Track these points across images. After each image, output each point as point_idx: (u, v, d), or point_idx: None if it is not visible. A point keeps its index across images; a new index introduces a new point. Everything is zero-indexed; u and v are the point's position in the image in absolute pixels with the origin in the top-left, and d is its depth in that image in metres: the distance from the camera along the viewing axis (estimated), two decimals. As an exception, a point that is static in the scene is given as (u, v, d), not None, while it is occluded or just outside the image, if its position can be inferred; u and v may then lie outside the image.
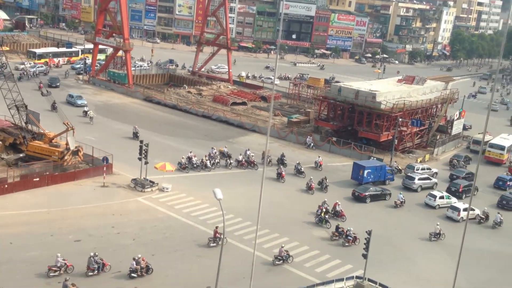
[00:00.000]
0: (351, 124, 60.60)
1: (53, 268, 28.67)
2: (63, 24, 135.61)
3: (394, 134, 56.95)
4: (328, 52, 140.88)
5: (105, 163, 43.40)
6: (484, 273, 35.42)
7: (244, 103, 75.05)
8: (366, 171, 48.06)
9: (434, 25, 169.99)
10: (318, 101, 66.18)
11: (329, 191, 46.17)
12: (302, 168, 49.79)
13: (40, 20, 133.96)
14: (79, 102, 64.46)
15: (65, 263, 28.99)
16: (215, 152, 50.28)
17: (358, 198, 45.09)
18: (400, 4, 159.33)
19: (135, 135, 54.36)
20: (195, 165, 47.70)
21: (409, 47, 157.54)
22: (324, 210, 39.90)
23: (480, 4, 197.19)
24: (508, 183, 52.92)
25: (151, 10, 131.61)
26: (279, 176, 47.72)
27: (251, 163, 50.06)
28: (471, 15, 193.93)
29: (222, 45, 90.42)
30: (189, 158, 47.99)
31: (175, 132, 59.26)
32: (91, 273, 29.18)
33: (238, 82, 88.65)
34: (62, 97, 65.80)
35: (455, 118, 66.38)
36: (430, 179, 50.70)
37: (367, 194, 45.27)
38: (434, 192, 46.73)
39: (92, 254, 29.39)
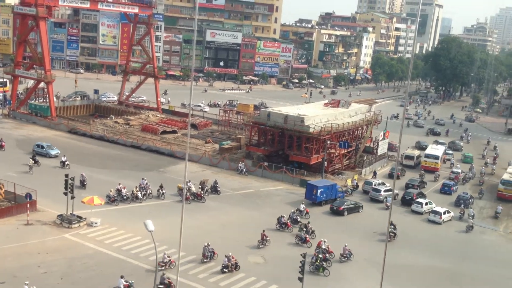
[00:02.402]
0: (282, 148, 61.26)
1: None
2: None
3: (324, 157, 58.06)
4: (256, 78, 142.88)
5: (28, 199, 41.14)
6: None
7: (174, 132, 74.17)
8: (319, 190, 50.30)
9: (355, 50, 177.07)
10: (249, 127, 66.52)
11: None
12: (299, 218, 45.18)
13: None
14: (52, 152, 57.70)
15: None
16: (146, 183, 49.00)
17: (336, 212, 48.40)
18: (323, 31, 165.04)
19: (63, 164, 53.58)
20: (125, 197, 46.25)
21: (333, 72, 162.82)
22: (320, 256, 36.58)
23: (397, 29, 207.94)
24: (452, 188, 59.64)
25: (74, 40, 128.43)
26: (180, 191, 47.77)
27: (198, 196, 48.64)
28: (389, 40, 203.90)
29: (149, 74, 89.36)
30: (119, 190, 46.49)
31: (103, 164, 57.42)
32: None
33: (167, 111, 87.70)
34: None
35: (380, 138, 68.76)
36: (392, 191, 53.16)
37: (344, 207, 48.66)
38: (420, 200, 52.32)
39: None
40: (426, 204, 51.90)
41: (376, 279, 23.80)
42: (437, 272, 39.04)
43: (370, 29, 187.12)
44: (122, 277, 30.99)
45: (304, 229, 41.89)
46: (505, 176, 61.39)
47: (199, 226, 42.37)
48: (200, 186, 50.25)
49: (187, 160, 26.16)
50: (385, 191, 54.28)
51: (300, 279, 29.76)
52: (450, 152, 78.07)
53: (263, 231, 40.35)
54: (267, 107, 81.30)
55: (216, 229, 42.69)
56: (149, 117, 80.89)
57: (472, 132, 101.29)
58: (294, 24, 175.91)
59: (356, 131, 68.29)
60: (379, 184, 56.54)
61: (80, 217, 40.32)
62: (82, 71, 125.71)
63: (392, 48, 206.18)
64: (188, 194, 48.06)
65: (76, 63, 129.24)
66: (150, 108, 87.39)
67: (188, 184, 49.77)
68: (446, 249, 43.73)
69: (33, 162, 52.77)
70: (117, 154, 62.62)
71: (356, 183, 58.05)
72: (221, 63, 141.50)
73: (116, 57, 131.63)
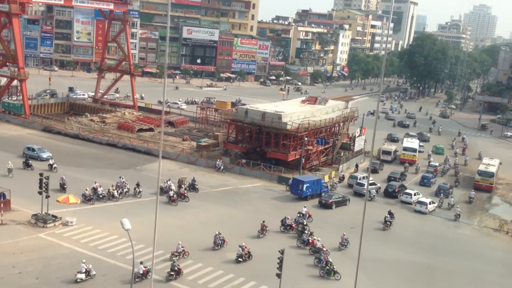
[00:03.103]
0: (260, 145, 61.27)
1: None
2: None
3: (301, 153, 58.25)
4: (233, 75, 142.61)
5: (1, 199, 40.33)
6: (391, 280, 36.72)
7: (151, 129, 73.58)
8: (305, 185, 51.19)
9: (332, 47, 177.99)
10: (226, 124, 66.35)
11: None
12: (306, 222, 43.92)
13: None
14: (44, 155, 55.92)
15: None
16: (123, 181, 48.49)
17: (325, 205, 49.82)
18: (300, 28, 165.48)
19: (51, 167, 52.48)
20: (101, 196, 45.71)
21: (310, 69, 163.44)
22: (330, 260, 36.15)
23: (373, 27, 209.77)
24: (431, 180, 62.17)
25: (47, 37, 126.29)
26: (170, 199, 46.75)
27: (182, 195, 48.11)
28: (365, 37, 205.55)
29: (125, 71, 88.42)
30: (94, 189, 45.93)
31: (78, 162, 56.65)
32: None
33: (143, 108, 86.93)
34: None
35: (357, 135, 69.27)
36: (376, 184, 57.00)
37: (332, 201, 50.15)
38: (409, 191, 55.06)
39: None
40: (415, 194, 54.66)
41: (356, 273, 23.98)
42: (413, 266, 39.49)
43: (347, 26, 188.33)
44: (141, 263, 32.66)
45: (306, 232, 41.14)
46: (481, 167, 63.74)
47: (177, 225, 42.14)
48: (178, 185, 49.96)
49: (160, 157, 25.90)
50: (369, 185, 55.41)
51: (278, 275, 29.81)
52: (421, 144, 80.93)
53: (263, 221, 41.88)
54: (244, 104, 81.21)
55: (195, 226, 42.51)
56: (125, 115, 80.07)
57: (446, 128, 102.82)
58: (271, 21, 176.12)
59: (333, 128, 68.67)
60: (363, 178, 57.66)
61: (55, 217, 39.71)
62: (56, 68, 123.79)
63: (368, 45, 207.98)
64: (174, 195, 47.21)
65: (50, 61, 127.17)
66: (126, 106, 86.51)
67: (168, 182, 49.45)
68: (422, 243, 44.27)
69: (25, 166, 51.47)
70: (92, 152, 61.85)
71: (343, 175, 60.38)
72: (198, 60, 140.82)
73: (91, 54, 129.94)
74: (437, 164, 69.43)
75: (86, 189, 45.54)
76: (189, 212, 45.47)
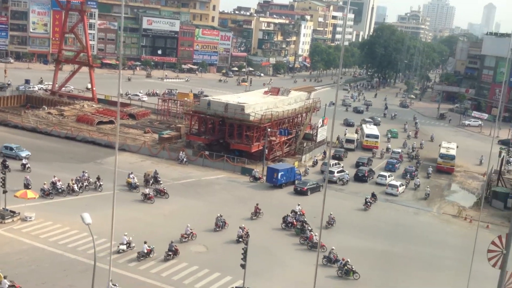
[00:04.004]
0: (223, 137, 61.01)
1: None
2: None
3: (264, 144, 58.32)
4: (195, 66, 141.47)
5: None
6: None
7: (111, 122, 72.25)
8: (280, 173, 52.54)
9: (294, 38, 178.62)
10: (189, 116, 65.79)
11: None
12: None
13: None
14: (22, 154, 53.27)
15: None
16: (84, 176, 47.36)
17: (300, 192, 51.32)
18: (261, 19, 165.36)
19: (24, 167, 49.98)
20: (60, 190, 44.63)
21: (272, 60, 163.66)
22: (348, 260, 35.56)
23: (334, 17, 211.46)
24: (396, 165, 65.12)
25: (2, 28, 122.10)
26: (146, 197, 45.41)
27: (161, 191, 46.85)
28: (327, 28, 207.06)
29: (83, 63, 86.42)
30: (53, 183, 44.80)
31: (36, 157, 55.06)
32: None
33: (103, 100, 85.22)
34: None
35: (319, 125, 69.82)
36: (344, 171, 58.99)
37: (307, 188, 51.69)
38: (383, 173, 59.28)
39: None
40: (389, 176, 58.77)
41: (316, 262, 24.12)
42: (375, 254, 40.14)
43: (308, 17, 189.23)
44: (145, 242, 34.86)
45: (309, 229, 40.80)
46: (443, 151, 68.01)
47: (140, 218, 41.61)
48: (144, 179, 49.05)
49: (117, 150, 25.43)
50: (338, 172, 57.99)
51: (243, 266, 29.77)
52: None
53: (257, 204, 44.34)
54: (206, 96, 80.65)
55: (159, 219, 42.05)
56: (84, 107, 78.35)
57: (405, 117, 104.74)
58: (232, 12, 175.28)
59: (296, 118, 68.96)
60: (333, 165, 59.75)
61: (14, 212, 38.61)
62: (12, 60, 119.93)
63: (330, 36, 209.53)
64: (151, 193, 45.82)
65: (6, 52, 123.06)
66: (85, 98, 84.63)
67: (131, 176, 48.71)
68: (383, 230, 45.02)
69: (2, 167, 46.24)
70: (51, 146, 60.35)
71: (316, 160, 63.67)
72: (159, 51, 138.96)
73: (48, 46, 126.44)
74: (399, 150, 72.47)
75: (45, 183, 44.40)
76: (152, 205, 44.91)
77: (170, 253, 35.27)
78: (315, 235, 39.34)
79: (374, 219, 47.75)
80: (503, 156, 63.16)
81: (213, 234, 39.97)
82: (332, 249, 37.10)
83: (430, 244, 43.22)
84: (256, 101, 63.74)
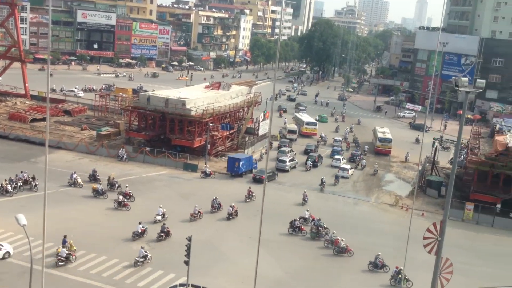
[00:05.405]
0: (164, 132, 60.18)
1: None
2: None
3: (207, 139, 58.01)
4: (134, 61, 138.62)
5: None
6: (298, 261, 37.74)
7: (45, 119, 69.57)
8: (241, 163, 55.01)
9: (234, 32, 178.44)
10: (128, 112, 64.38)
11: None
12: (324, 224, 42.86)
13: None
14: None
15: None
16: (22, 175, 45.35)
17: (258, 181, 53.51)
18: (201, 13, 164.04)
19: None
20: (-8, 191, 42.66)
21: (213, 54, 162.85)
22: (402, 268, 33.10)
23: (273, 12, 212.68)
24: (340, 152, 69.20)
25: None
26: (121, 204, 43.10)
27: (127, 195, 44.60)
28: (266, 22, 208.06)
29: (15, 58, 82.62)
30: (-15, 185, 42.75)
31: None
32: None
33: (36, 97, 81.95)
34: None
35: (261, 119, 70.17)
36: (294, 160, 62.27)
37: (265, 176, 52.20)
38: (337, 156, 65.08)
39: None
40: (343, 159, 64.59)
41: (261, 255, 24.23)
42: (316, 244, 40.78)
43: (248, 11, 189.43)
44: (140, 223, 37.67)
45: (331, 232, 40.53)
46: (380, 135, 74.28)
47: (78, 218, 40.41)
48: (108, 183, 47.05)
49: (47, 148, 24.59)
50: (290, 161, 60.90)
51: (186, 263, 29.49)
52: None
53: (250, 187, 48.38)
54: (146, 91, 79.24)
55: (98, 218, 41.00)
56: (17, 104, 75.15)
57: (348, 112, 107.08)
58: (171, 5, 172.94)
59: (238, 113, 69.00)
60: (289, 152, 63.89)
61: None
62: None
63: (269, 30, 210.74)
64: (124, 200, 43.49)
65: None
66: (18, 95, 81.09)
67: (74, 176, 47.24)
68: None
69: None
70: (-19, 145, 57.52)
71: (262, 154, 65.77)
72: (95, 46, 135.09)
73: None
74: (340, 138, 77.36)
75: (-25, 185, 42.31)
76: (90, 204, 43.73)
77: (162, 234, 37.64)
78: (342, 240, 38.95)
79: (315, 210, 48.46)
80: (436, 146, 65.79)
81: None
82: (378, 254, 36.69)
83: (368, 233, 44.41)
84: (197, 96, 63.26)
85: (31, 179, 45.46)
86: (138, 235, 37.22)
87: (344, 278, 35.90)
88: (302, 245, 40.37)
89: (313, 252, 39.49)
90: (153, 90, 77.42)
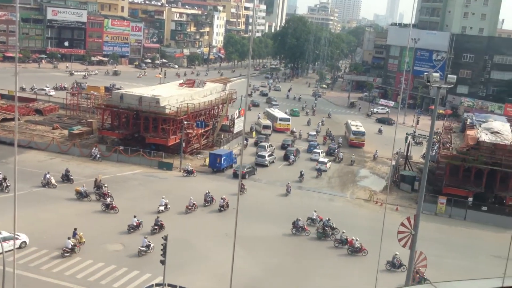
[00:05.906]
0: (138, 131, 59.58)
1: None
2: None
3: (181, 137, 57.64)
4: (106, 58, 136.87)
5: None
6: (275, 258, 37.83)
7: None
8: (222, 158, 55.95)
9: (207, 29, 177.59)
10: (100, 110, 63.56)
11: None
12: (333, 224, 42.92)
13: None
14: None
15: None
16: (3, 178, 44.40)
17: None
18: (173, 10, 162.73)
19: None
20: (-38, 194, 41.64)
21: (186, 52, 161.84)
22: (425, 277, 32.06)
23: (246, 8, 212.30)
24: (317, 147, 70.19)
25: None
26: (108, 207, 42.26)
27: (105, 195, 43.66)
28: (240, 19, 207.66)
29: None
30: (-46, 186, 41.71)
31: None
32: None
33: (6, 96, 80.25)
34: None
35: (236, 116, 70.06)
36: (273, 155, 63.78)
37: (245, 171, 54.60)
38: (316, 150, 66.74)
39: None
40: (322, 153, 66.14)
41: (236, 252, 24.19)
42: (294, 240, 40.95)
43: (221, 8, 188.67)
44: (135, 216, 38.70)
45: (341, 232, 40.52)
46: (354, 128, 76.39)
47: (51, 218, 39.75)
48: (95, 185, 45.88)
49: (16, 148, 24.10)
50: (268, 156, 62.19)
51: (162, 262, 29.27)
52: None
53: (243, 184, 50.02)
54: (119, 89, 78.30)
55: (72, 219, 40.32)
56: (-14, 103, 73.44)
57: (318, 107, 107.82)
58: (143, 2, 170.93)
59: (212, 110, 68.72)
60: (268, 146, 65.70)
61: None
62: None
63: (243, 27, 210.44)
64: (112, 202, 42.43)
65: None
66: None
67: (47, 176, 46.41)
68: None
69: None
70: (-51, 146, 56.07)
71: (239, 149, 64.55)
72: (66, 43, 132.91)
73: None
74: (314, 133, 78.65)
75: None
76: (63, 204, 43.06)
77: (156, 227, 38.32)
78: (356, 240, 38.89)
79: (290, 207, 48.68)
80: (409, 141, 66.68)
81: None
82: (396, 254, 36.35)
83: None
84: (171, 94, 62.78)
85: (2, 180, 44.52)
86: (133, 228, 38.24)
87: (362, 279, 35.40)
88: (309, 246, 40.29)
89: (323, 252, 39.53)
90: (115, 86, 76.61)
